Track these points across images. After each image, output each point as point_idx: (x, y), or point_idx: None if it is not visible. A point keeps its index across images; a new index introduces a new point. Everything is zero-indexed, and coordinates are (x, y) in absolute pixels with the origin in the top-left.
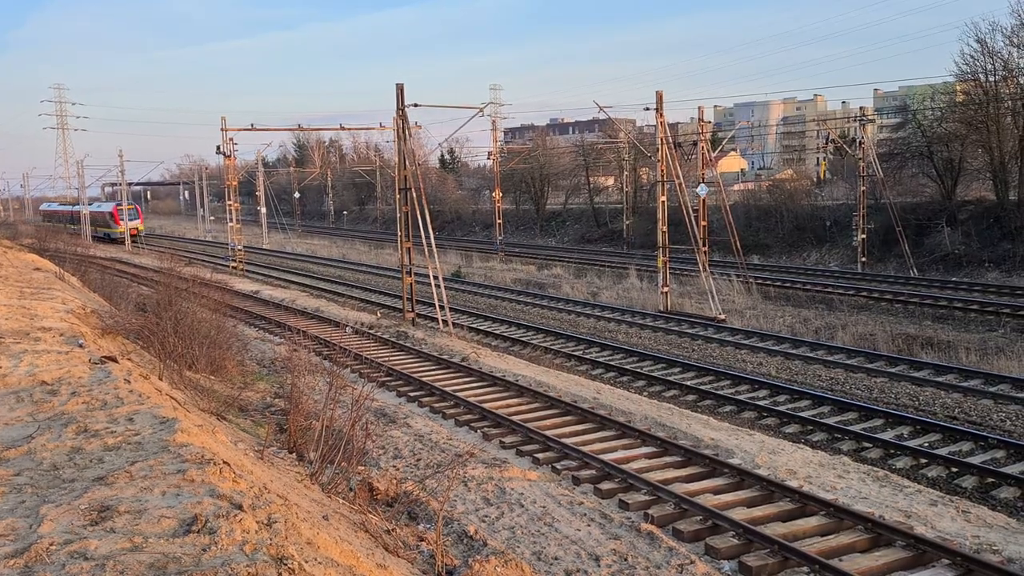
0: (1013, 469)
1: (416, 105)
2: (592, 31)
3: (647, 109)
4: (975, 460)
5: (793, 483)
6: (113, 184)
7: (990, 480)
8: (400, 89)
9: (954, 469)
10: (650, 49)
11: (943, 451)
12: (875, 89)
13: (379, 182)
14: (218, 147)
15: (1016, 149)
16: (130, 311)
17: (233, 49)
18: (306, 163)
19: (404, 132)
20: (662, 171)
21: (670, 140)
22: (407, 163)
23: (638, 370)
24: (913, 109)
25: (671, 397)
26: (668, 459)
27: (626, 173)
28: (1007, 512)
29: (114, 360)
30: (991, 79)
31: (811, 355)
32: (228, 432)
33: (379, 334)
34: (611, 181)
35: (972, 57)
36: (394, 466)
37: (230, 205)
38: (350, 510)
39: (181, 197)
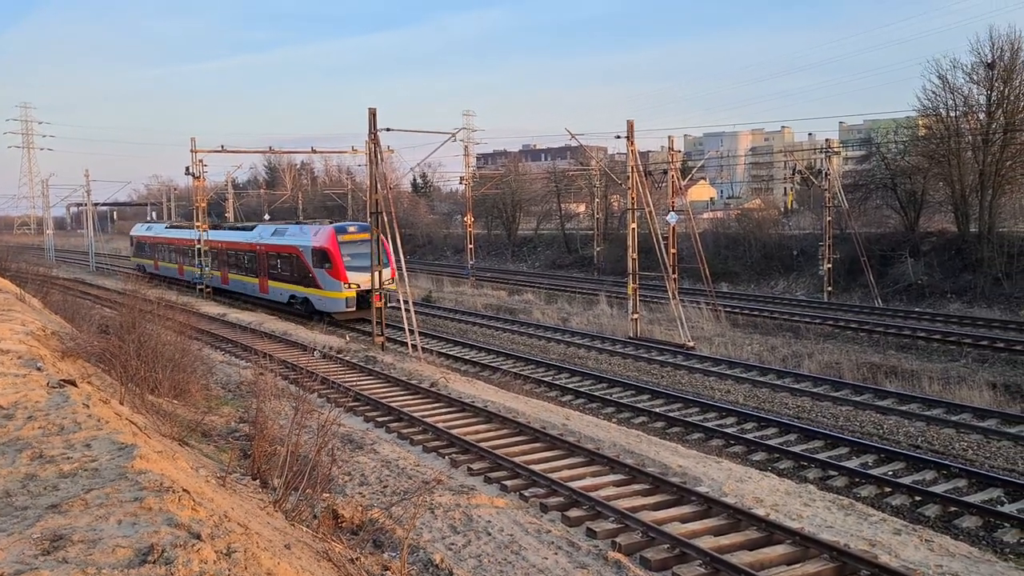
0: (975, 498)
1: (388, 129)
2: (565, 59)
3: (618, 137)
4: (938, 489)
5: (760, 511)
6: (79, 204)
7: (952, 509)
8: (372, 113)
9: (917, 498)
10: (622, 78)
11: (907, 480)
12: (840, 122)
13: (351, 205)
14: (187, 168)
15: (976, 183)
16: (92, 333)
17: (206, 70)
18: (277, 185)
19: (376, 156)
20: (632, 199)
21: (641, 168)
22: (379, 187)
23: (607, 397)
24: (877, 142)
25: (640, 424)
26: (636, 486)
27: (597, 200)
28: (969, 541)
29: (73, 384)
30: (952, 114)
31: (778, 383)
32: (190, 458)
33: (348, 358)
34: (582, 208)
35: (934, 93)
36: (360, 493)
37: (199, 226)
38: (313, 538)
39: (149, 218)
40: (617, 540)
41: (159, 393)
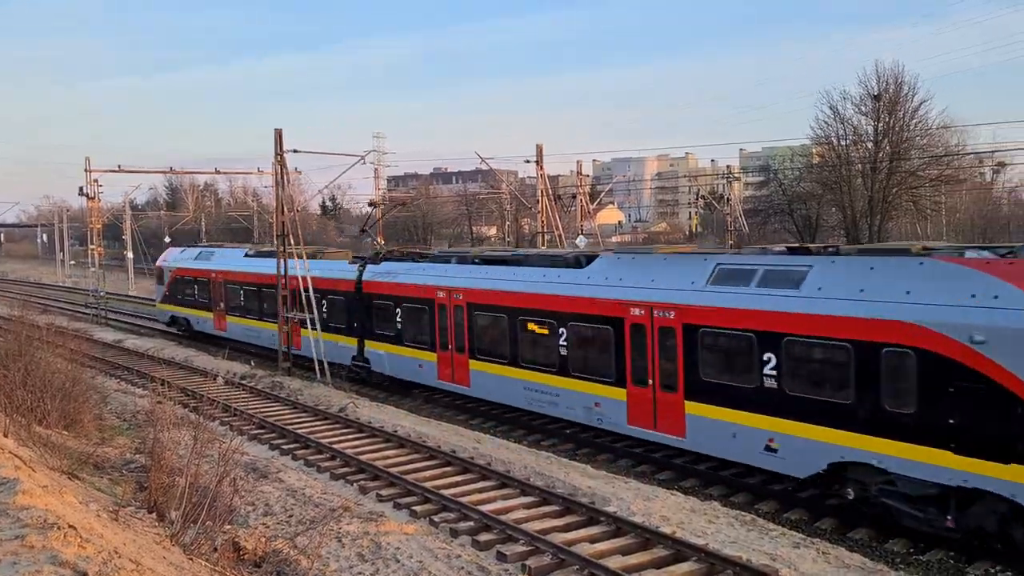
0: (869, 509)
1: (295, 151)
2: (477, 84)
3: (528, 161)
4: (833, 503)
5: (667, 529)
6: None
7: (847, 522)
8: (278, 134)
9: (815, 511)
10: (533, 103)
11: (804, 495)
12: (741, 149)
13: (257, 227)
14: (81, 188)
15: (866, 208)
16: None
17: (105, 89)
18: (179, 207)
19: (283, 177)
20: (542, 222)
21: (550, 192)
22: (285, 209)
23: (518, 419)
24: (775, 169)
25: (550, 446)
26: (547, 508)
27: (508, 223)
28: (863, 552)
29: None
30: (842, 143)
31: None
32: (79, 492)
33: (253, 385)
34: (493, 230)
35: (826, 123)
36: (264, 523)
37: (93, 249)
38: (212, 572)
39: (39, 240)
40: (527, 563)
41: (48, 424)
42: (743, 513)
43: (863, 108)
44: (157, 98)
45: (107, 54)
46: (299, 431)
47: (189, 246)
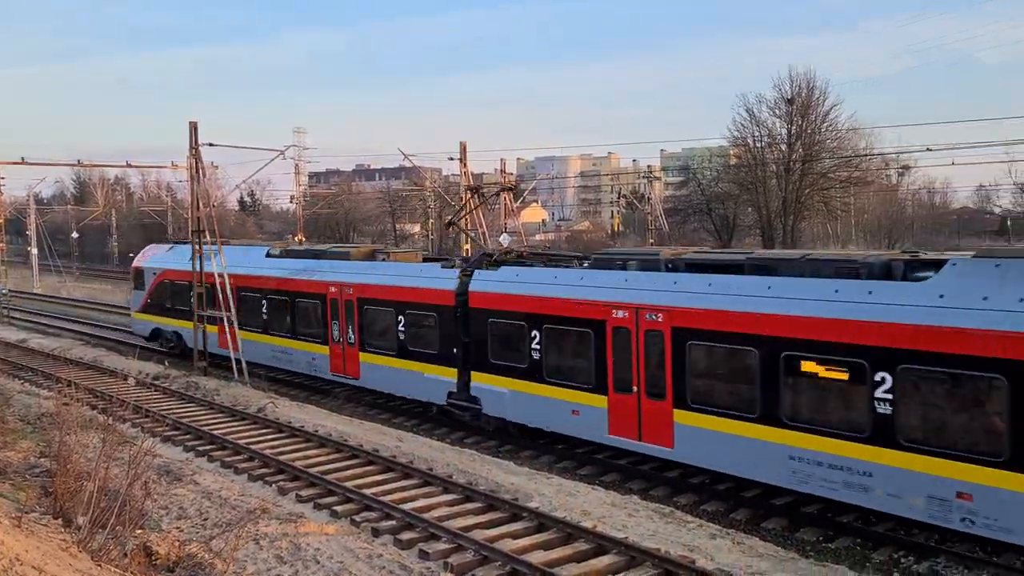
0: (780, 500)
1: (212, 144)
2: (400, 80)
3: (451, 159)
4: (748, 494)
5: (588, 524)
6: None
7: (761, 512)
8: (193, 127)
9: (731, 503)
10: (458, 100)
11: (721, 487)
12: (661, 149)
13: (171, 223)
14: None
15: (780, 208)
16: None
17: (8, 78)
18: (88, 201)
19: (198, 172)
20: (466, 220)
21: (473, 189)
22: (201, 204)
23: (441, 417)
24: (694, 169)
25: (473, 444)
26: (470, 506)
27: (431, 220)
28: (775, 541)
29: None
30: (758, 145)
31: None
32: None
33: (166, 385)
34: (417, 228)
35: (742, 125)
36: (178, 527)
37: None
38: None
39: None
40: (450, 560)
41: None
42: (662, 506)
43: (777, 111)
44: (64, 89)
45: (4, 43)
46: (215, 432)
47: (177, 241)
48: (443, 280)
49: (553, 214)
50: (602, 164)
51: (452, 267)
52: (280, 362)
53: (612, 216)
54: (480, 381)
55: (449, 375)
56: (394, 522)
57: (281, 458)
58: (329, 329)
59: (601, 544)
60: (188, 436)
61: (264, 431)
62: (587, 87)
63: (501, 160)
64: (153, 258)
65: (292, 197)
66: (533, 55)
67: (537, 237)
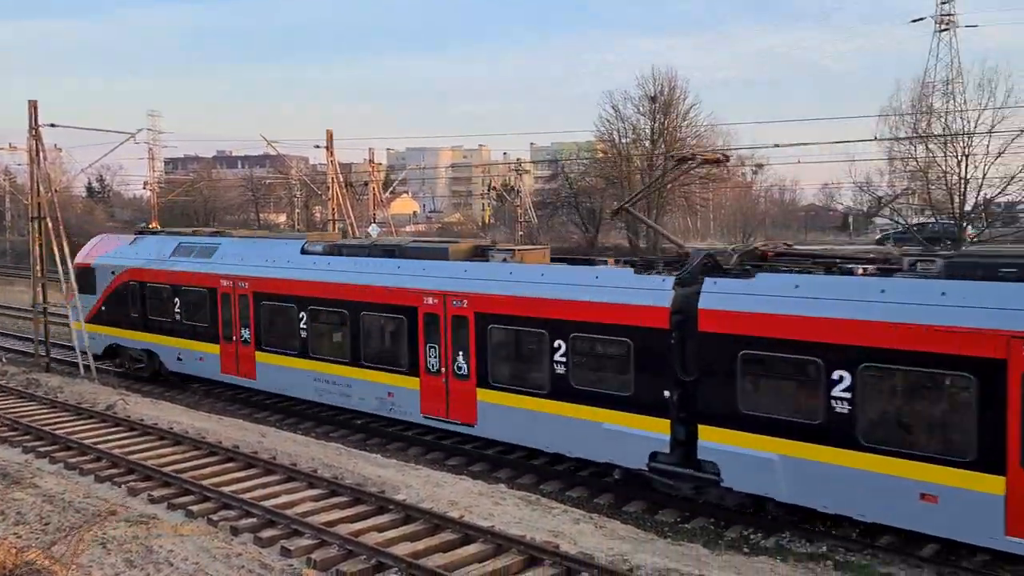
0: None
1: (53, 125)
2: (268, 67)
3: (317, 147)
4: (610, 480)
5: (455, 514)
6: None
7: (623, 496)
8: (33, 106)
9: (594, 488)
10: (325, 89)
11: (584, 472)
12: (531, 143)
13: (9, 209)
14: None
15: (644, 204)
16: None
17: None
18: None
19: (38, 154)
20: (333, 210)
21: (341, 179)
22: (42, 189)
23: (305, 411)
24: (562, 163)
25: (339, 437)
26: (335, 500)
27: (298, 211)
28: (636, 524)
29: None
30: (623, 141)
31: None
32: None
33: (3, 383)
34: (283, 218)
35: (608, 121)
36: (15, 533)
37: None
38: None
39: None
40: (313, 556)
41: None
42: (529, 494)
43: (641, 109)
44: None
45: None
46: (58, 432)
47: (144, 232)
48: (644, 292)
49: (424, 206)
50: (473, 156)
51: (655, 273)
52: (330, 396)
53: (483, 208)
54: (718, 440)
55: (655, 428)
56: (254, 520)
57: (131, 457)
58: (422, 355)
59: (467, 534)
60: (27, 437)
61: (113, 430)
62: (459, 78)
63: (369, 149)
64: (110, 254)
65: (145, 183)
66: (406, 43)
67: (407, 229)
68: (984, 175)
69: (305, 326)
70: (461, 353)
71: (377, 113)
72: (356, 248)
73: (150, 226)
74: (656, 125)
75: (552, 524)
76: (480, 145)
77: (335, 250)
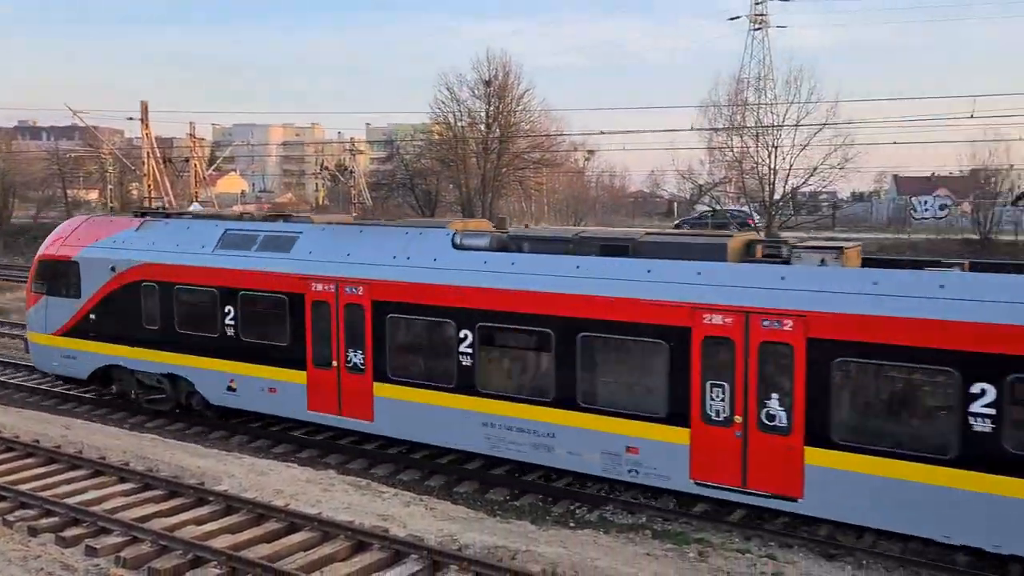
0: (473, 464)
1: None
2: (78, 32)
3: (131, 119)
4: (443, 460)
5: (280, 502)
6: None
7: (454, 477)
8: None
9: (426, 471)
10: (141, 60)
11: (416, 455)
12: (367, 123)
13: None
14: None
15: (480, 186)
16: None
17: None
18: None
19: None
20: (149, 186)
21: (158, 154)
22: None
23: (117, 402)
24: (398, 144)
25: (155, 428)
26: (149, 494)
27: (111, 187)
28: (467, 504)
29: None
30: (459, 124)
31: None
32: None
33: None
34: (94, 195)
35: (443, 103)
36: None
37: None
38: None
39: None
40: (122, 555)
41: None
42: (359, 479)
43: (476, 92)
44: None
45: None
46: None
47: (148, 212)
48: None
49: (254, 185)
50: (306, 134)
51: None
52: (512, 447)
53: (316, 189)
54: None
55: None
56: (56, 519)
57: None
58: (695, 395)
59: (293, 522)
60: None
61: None
62: (292, 53)
63: (191, 123)
64: (104, 243)
65: None
66: (231, 13)
67: (235, 208)
68: (791, 166)
69: (469, 350)
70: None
71: (201, 86)
72: (551, 243)
73: (161, 206)
74: (491, 109)
75: (382, 508)
76: (313, 123)
77: (514, 244)
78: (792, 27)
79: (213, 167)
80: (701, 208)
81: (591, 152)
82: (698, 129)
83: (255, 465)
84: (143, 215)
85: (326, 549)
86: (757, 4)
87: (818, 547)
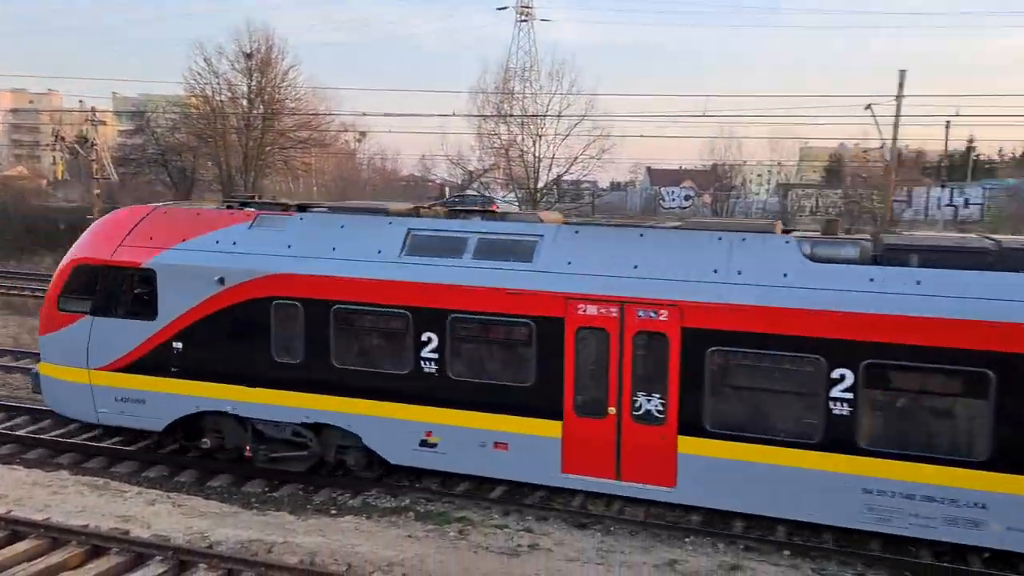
0: (223, 456)
1: None
2: None
3: None
4: (195, 455)
5: (1, 510)
6: None
7: (207, 472)
8: None
9: (175, 466)
10: None
11: (165, 451)
12: (113, 92)
13: None
14: None
15: (241, 164)
16: None
17: None
18: None
19: None
20: None
21: None
22: None
23: None
24: (148, 116)
25: None
26: None
27: None
28: (220, 499)
29: None
30: (218, 98)
31: (26, 367)
32: None
33: None
34: None
35: (200, 75)
36: None
37: None
38: None
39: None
40: None
41: None
42: (95, 479)
43: (237, 65)
44: None
45: None
46: None
47: (271, 203)
48: None
49: None
50: (41, 102)
51: None
52: (911, 522)
53: (54, 162)
54: None
55: None
56: None
57: None
58: None
59: (16, 530)
60: None
61: None
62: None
63: None
64: (196, 245)
65: None
66: None
67: None
68: (554, 155)
69: (847, 394)
70: None
71: None
72: (966, 255)
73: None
74: (253, 84)
75: (123, 509)
76: (49, 89)
77: (900, 257)
78: (556, 21)
79: None
80: (472, 193)
81: (363, 134)
82: (466, 115)
83: None
84: (246, 206)
85: (55, 558)
86: None
87: (571, 517)
